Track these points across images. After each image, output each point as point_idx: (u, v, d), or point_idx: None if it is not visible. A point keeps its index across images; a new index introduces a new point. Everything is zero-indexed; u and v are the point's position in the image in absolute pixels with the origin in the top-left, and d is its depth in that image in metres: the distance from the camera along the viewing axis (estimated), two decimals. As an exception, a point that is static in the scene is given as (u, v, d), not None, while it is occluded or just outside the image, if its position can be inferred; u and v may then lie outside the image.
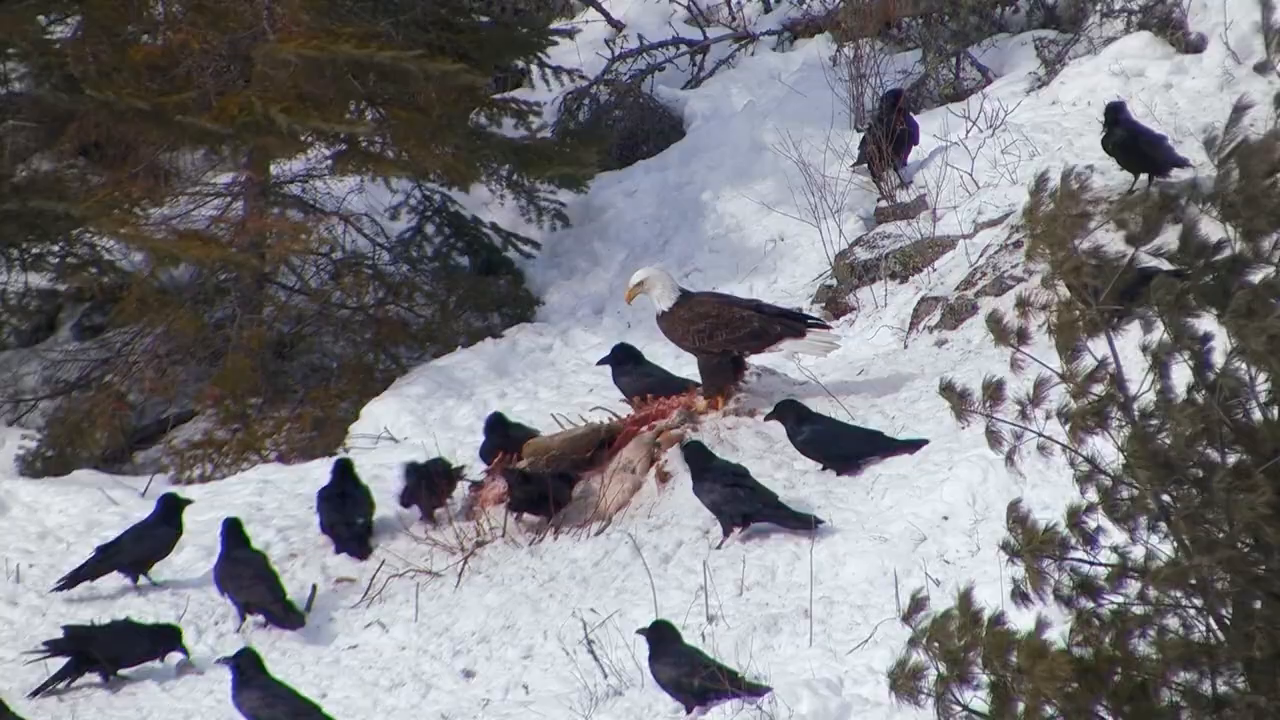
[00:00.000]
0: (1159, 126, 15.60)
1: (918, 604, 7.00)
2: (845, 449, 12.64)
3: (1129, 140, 14.72)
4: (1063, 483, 11.25)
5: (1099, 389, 6.83)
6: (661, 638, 10.75)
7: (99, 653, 12.45)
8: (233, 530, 13.12)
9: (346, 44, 16.73)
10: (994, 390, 7.03)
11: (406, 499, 13.74)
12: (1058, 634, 6.90)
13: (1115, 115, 14.79)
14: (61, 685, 12.47)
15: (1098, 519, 6.92)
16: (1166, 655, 6.69)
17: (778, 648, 11.04)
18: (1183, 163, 14.60)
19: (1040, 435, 6.97)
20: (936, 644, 6.81)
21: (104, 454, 17.14)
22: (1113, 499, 6.81)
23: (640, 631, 10.87)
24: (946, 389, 7.12)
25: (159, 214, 18.14)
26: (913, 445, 12.55)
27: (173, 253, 17.27)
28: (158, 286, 17.92)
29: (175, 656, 12.55)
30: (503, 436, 13.85)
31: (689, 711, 10.56)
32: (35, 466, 17.00)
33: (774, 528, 12.10)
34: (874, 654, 10.56)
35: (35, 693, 12.43)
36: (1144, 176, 14.76)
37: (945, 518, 11.71)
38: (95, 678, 12.49)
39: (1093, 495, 6.98)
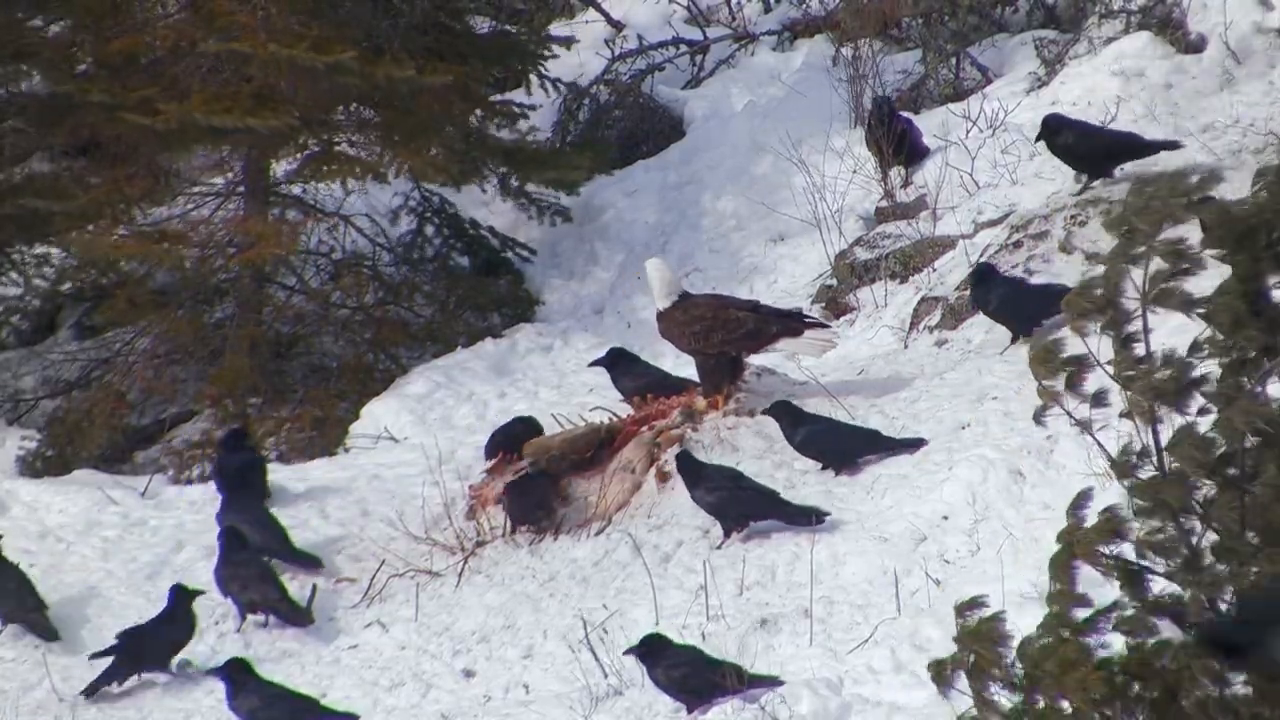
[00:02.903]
0: (1160, 126, 15.60)
1: (973, 602, 6.98)
2: (842, 447, 12.63)
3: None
4: (1062, 481, 11.30)
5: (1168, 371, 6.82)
6: (652, 648, 10.74)
7: (150, 655, 12.45)
8: (232, 533, 13.12)
9: (296, 47, 16.61)
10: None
11: (490, 451, 13.78)
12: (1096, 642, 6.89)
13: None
14: (115, 687, 12.46)
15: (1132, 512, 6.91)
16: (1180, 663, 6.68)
17: (778, 647, 11.03)
18: None
19: (1072, 420, 6.96)
20: (979, 641, 6.79)
21: (104, 454, 17.13)
22: (1150, 496, 6.79)
23: (629, 652, 10.86)
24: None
25: (158, 214, 18.17)
26: (911, 445, 12.54)
27: (129, 254, 17.28)
28: (154, 287, 17.93)
29: (175, 656, 12.58)
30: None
31: (690, 711, 10.55)
32: (35, 466, 17.00)
33: (774, 526, 12.09)
34: (874, 654, 10.56)
35: (88, 692, 12.40)
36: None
37: (945, 518, 11.70)
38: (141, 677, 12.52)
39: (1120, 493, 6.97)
